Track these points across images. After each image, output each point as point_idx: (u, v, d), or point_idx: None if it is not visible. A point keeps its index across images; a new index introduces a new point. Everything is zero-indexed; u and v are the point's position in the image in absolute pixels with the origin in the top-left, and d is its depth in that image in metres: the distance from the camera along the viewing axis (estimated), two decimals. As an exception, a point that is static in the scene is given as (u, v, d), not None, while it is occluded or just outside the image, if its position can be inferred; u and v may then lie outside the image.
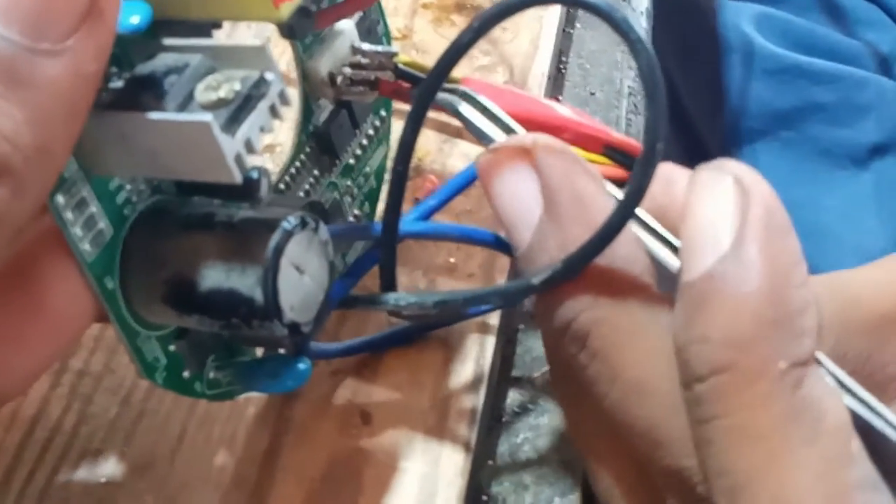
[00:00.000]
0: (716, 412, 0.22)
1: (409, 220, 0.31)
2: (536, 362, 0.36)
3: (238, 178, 0.24)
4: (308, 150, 0.32)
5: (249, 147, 0.24)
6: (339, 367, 0.34)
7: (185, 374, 0.28)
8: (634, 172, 0.24)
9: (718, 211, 0.23)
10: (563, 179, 0.25)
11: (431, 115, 0.42)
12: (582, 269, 0.25)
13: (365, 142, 0.35)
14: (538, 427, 0.34)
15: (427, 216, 0.31)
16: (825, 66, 0.80)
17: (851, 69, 0.80)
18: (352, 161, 0.34)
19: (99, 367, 0.34)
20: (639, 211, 0.25)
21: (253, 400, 0.33)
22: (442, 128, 0.42)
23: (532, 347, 0.36)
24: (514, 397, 0.35)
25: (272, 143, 0.40)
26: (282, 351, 0.30)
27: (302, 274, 0.26)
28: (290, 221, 0.25)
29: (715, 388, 0.22)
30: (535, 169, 0.26)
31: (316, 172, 0.33)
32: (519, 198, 0.26)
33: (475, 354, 0.34)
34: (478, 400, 0.33)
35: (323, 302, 0.27)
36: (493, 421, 0.34)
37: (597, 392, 0.25)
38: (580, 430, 0.27)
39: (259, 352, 0.31)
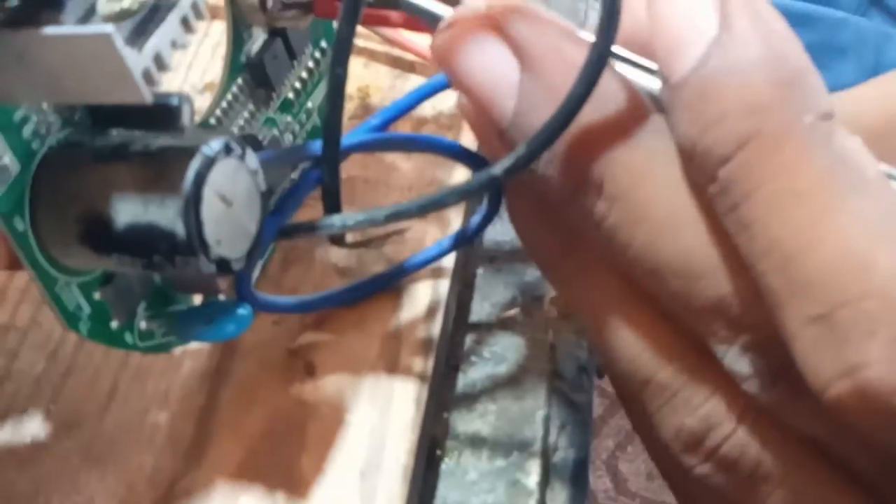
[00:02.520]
0: (749, 187, 0.20)
1: (353, 132, 0.28)
2: (496, 308, 0.34)
3: (147, 96, 0.22)
4: (241, 82, 0.30)
5: (160, 63, 0.22)
6: (281, 316, 0.31)
7: (114, 324, 0.26)
8: (599, 25, 0.21)
9: (692, 5, 0.22)
10: (535, 33, 0.23)
11: (382, 48, 0.40)
12: (547, 147, 0.22)
13: (305, 75, 0.32)
14: (497, 377, 0.32)
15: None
16: (803, 8, 0.78)
17: (829, 10, 0.78)
18: (291, 96, 0.32)
19: (25, 320, 0.32)
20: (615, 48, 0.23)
21: (190, 353, 0.30)
22: (394, 62, 0.39)
23: (491, 293, 0.34)
24: (471, 345, 0.33)
25: (212, 81, 0.38)
26: (222, 297, 0.28)
27: (229, 205, 0.24)
28: (212, 147, 0.23)
29: (743, 161, 0.20)
30: (500, 32, 0.23)
31: (251, 107, 0.31)
32: (491, 65, 0.23)
33: (429, 299, 0.32)
34: (431, 348, 0.31)
35: (256, 236, 0.25)
36: (449, 370, 0.32)
37: (620, 241, 0.23)
38: (591, 301, 0.25)
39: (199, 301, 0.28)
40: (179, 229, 0.23)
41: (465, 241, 0.32)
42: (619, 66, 0.23)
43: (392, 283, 0.32)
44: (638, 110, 0.23)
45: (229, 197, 0.24)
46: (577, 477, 0.31)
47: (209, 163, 0.23)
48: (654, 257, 0.22)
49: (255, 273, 0.31)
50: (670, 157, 0.22)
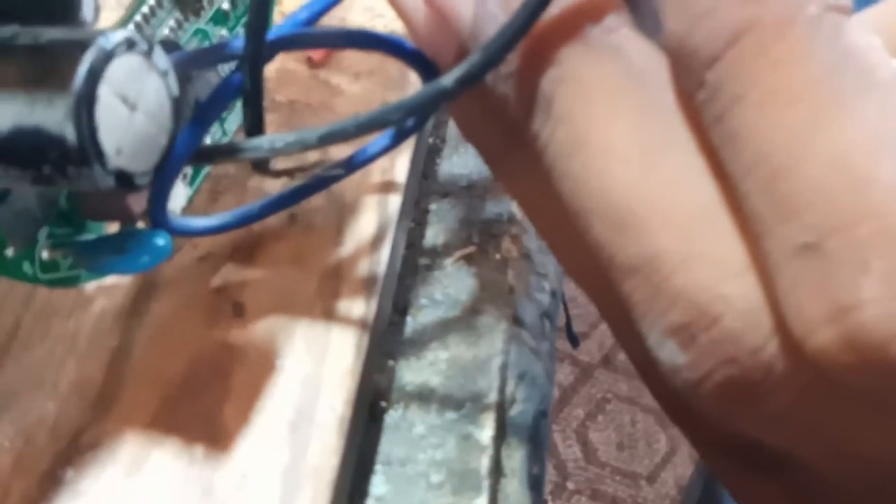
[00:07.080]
0: (739, 90, 0.17)
1: (280, 26, 0.24)
2: (450, 247, 0.30)
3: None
4: (165, -14, 0.27)
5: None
6: (208, 252, 0.28)
7: (9, 251, 0.23)
8: None
9: None
10: None
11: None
12: (505, 54, 0.19)
13: (242, -17, 0.29)
14: (449, 322, 0.29)
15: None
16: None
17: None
18: (226, 6, 0.29)
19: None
20: None
21: (103, 289, 0.27)
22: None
23: (445, 230, 0.31)
24: (422, 287, 0.30)
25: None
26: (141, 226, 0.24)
27: (132, 110, 0.20)
28: (110, 39, 0.20)
29: (735, 59, 0.17)
30: None
31: (178, 15, 0.27)
32: None
33: (374, 235, 0.28)
34: (375, 288, 0.27)
35: (166, 148, 0.21)
36: (396, 314, 0.29)
37: (558, 173, 0.19)
38: (535, 200, 0.22)
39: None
40: (70, 133, 0.19)
41: (407, 135, 0.28)
42: None
43: (328, 185, 0.28)
44: (610, 18, 0.20)
45: (132, 99, 0.20)
46: (537, 432, 0.28)
47: (107, 56, 0.20)
48: (587, 190, 0.19)
49: (181, 201, 0.27)
50: (638, 78, 0.19)
